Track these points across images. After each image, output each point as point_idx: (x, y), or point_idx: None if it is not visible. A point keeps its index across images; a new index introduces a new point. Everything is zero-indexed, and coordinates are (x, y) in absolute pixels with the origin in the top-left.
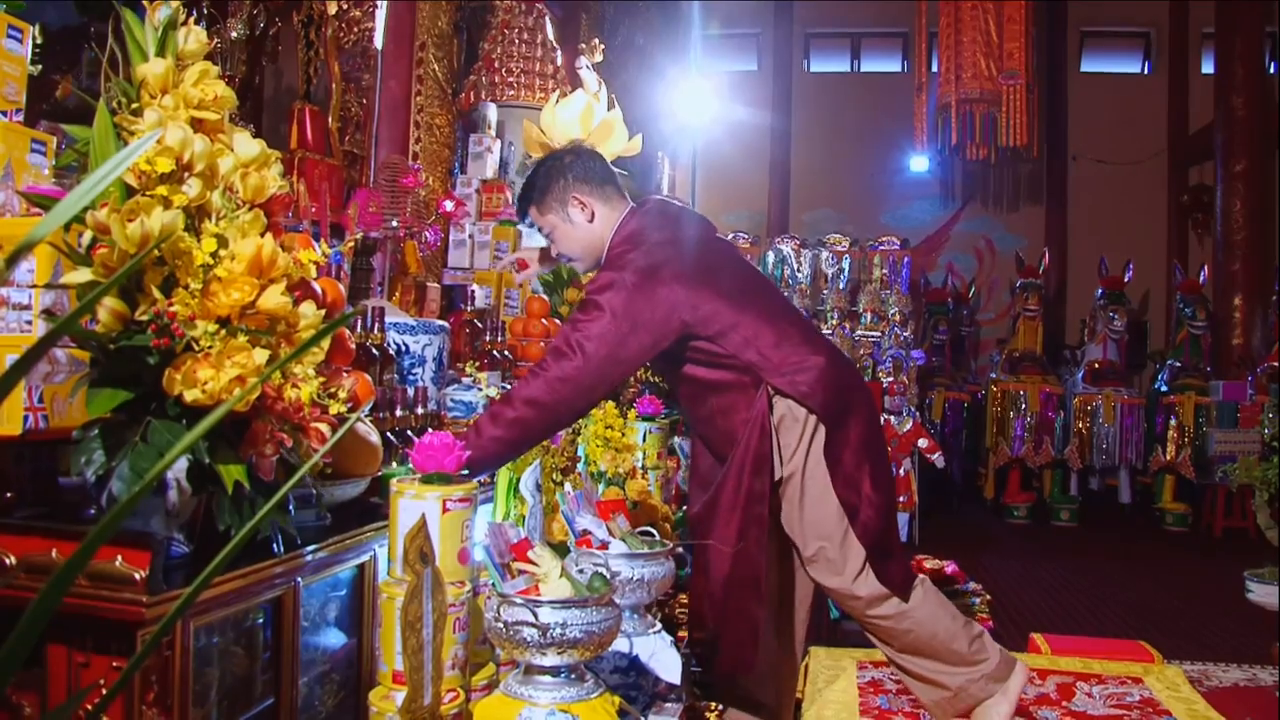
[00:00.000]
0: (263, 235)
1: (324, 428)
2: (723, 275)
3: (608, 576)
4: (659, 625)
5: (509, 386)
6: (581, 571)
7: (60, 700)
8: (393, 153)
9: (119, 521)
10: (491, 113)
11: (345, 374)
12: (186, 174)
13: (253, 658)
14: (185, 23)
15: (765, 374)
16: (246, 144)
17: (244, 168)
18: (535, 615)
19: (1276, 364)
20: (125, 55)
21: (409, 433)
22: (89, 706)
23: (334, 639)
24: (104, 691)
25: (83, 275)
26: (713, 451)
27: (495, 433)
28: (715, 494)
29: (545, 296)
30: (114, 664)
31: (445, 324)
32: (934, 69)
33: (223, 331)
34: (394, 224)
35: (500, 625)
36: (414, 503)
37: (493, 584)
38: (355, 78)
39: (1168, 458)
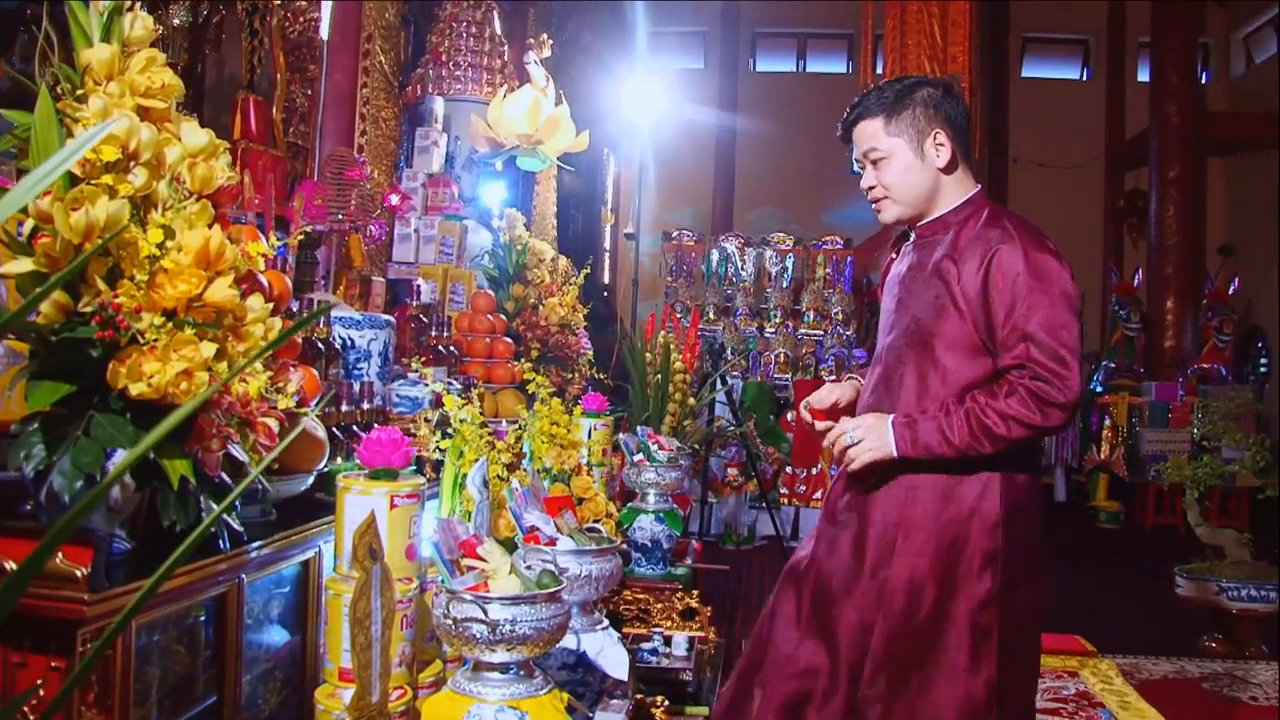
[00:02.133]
0: (210, 227)
1: (271, 423)
2: None
3: (556, 573)
4: (606, 621)
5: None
6: (529, 568)
7: None
8: (338, 145)
9: (76, 522)
10: (439, 106)
11: (292, 368)
12: (132, 163)
13: (194, 656)
14: (131, 8)
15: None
16: (194, 134)
17: (191, 158)
18: (485, 611)
19: (1205, 365)
20: (63, 39)
21: (355, 428)
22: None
23: (277, 636)
24: (41, 692)
25: (23, 265)
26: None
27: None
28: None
29: (490, 291)
30: (52, 664)
31: (391, 319)
32: (878, 70)
33: (169, 324)
34: (339, 217)
35: (449, 622)
36: (361, 498)
37: (441, 580)
38: (300, 68)
39: (1101, 456)
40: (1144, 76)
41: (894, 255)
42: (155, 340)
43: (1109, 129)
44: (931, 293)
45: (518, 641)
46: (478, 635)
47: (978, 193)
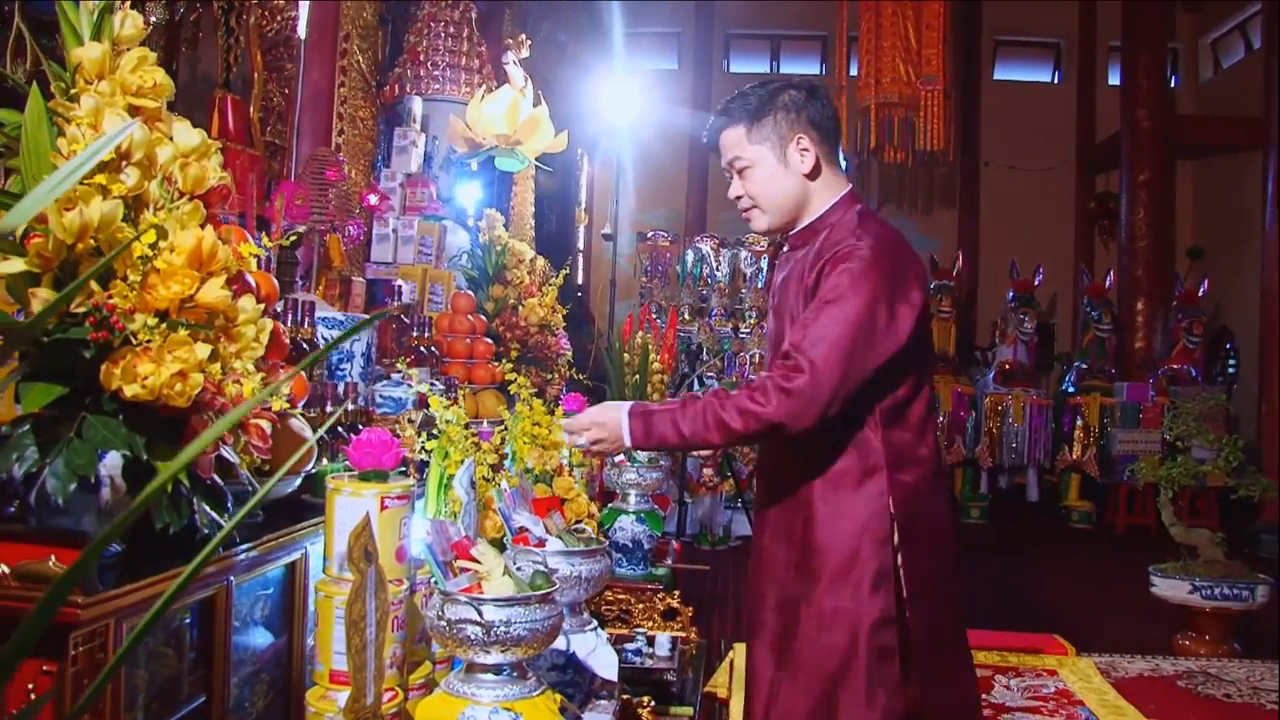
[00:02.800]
0: (203, 227)
1: (264, 424)
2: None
3: (548, 574)
4: (594, 622)
5: (432, 384)
6: (519, 569)
7: None
8: (315, 144)
9: (118, 531)
10: (417, 106)
11: (281, 369)
12: (124, 163)
13: (181, 658)
14: (121, 6)
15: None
16: (186, 133)
17: (183, 158)
18: (480, 613)
19: (1176, 366)
20: (36, 36)
21: (339, 429)
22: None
23: (263, 638)
24: (33, 696)
25: (15, 265)
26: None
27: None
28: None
29: (470, 292)
30: (44, 667)
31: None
32: (853, 72)
33: (163, 325)
34: (320, 216)
35: (443, 624)
36: (352, 500)
37: (434, 581)
38: (278, 67)
39: (1074, 457)
40: (1114, 80)
41: (776, 264)
42: (148, 341)
43: (1079, 132)
44: (798, 303)
45: (512, 643)
46: (472, 637)
47: (845, 195)
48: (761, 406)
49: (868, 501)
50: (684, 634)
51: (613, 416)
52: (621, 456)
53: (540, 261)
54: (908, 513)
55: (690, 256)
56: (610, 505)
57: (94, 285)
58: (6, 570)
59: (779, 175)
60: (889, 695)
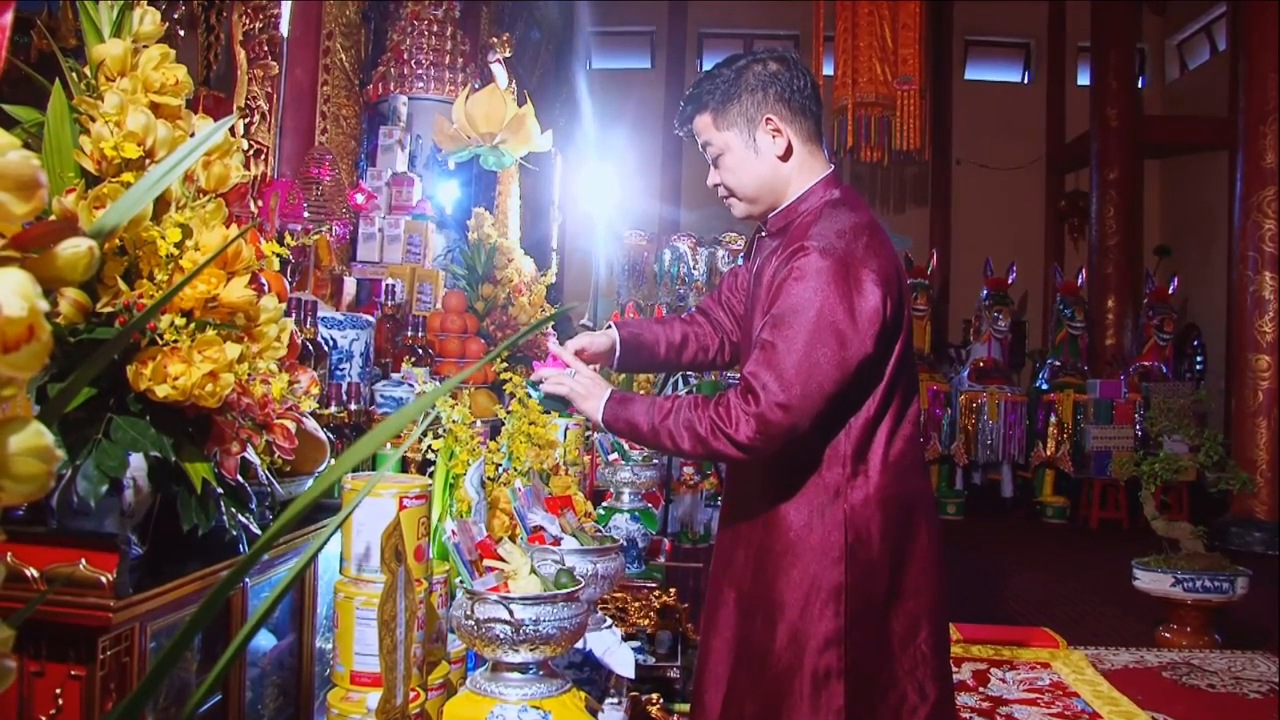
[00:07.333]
0: (227, 226)
1: (289, 424)
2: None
3: (572, 572)
4: (609, 620)
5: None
6: (540, 567)
7: (8, 710)
8: (298, 143)
9: (278, 535)
10: (402, 105)
11: (300, 370)
12: (148, 161)
13: (194, 660)
14: (138, 2)
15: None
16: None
17: (206, 155)
18: (510, 612)
19: (1147, 363)
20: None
21: (344, 429)
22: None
23: (272, 639)
24: (60, 702)
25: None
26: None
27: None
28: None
29: (461, 291)
30: (72, 672)
31: (372, 319)
32: (827, 72)
33: (191, 325)
34: (321, 214)
35: (471, 623)
36: (370, 499)
37: (461, 581)
38: (260, 65)
39: (1048, 453)
40: (1083, 80)
41: (754, 247)
42: (174, 341)
43: (1049, 131)
44: (770, 300)
45: (540, 641)
46: (501, 636)
47: (822, 179)
48: (712, 431)
49: (824, 517)
50: (682, 631)
51: (598, 389)
52: (615, 455)
53: (527, 260)
54: (864, 533)
55: (667, 256)
56: (605, 504)
57: (121, 284)
58: (35, 574)
59: (749, 161)
60: (833, 714)
